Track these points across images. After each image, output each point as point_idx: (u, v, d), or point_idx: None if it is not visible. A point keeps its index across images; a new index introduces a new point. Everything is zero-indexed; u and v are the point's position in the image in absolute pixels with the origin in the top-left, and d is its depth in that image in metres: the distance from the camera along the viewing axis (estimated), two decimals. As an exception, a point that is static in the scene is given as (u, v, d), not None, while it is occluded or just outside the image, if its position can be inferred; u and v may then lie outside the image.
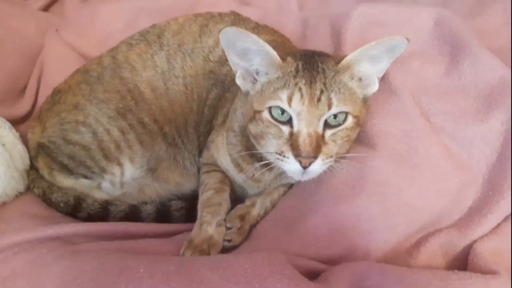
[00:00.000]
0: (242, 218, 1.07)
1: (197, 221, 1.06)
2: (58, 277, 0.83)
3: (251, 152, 1.05)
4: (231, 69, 1.21)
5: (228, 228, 1.05)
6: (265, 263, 0.83)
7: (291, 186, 1.14)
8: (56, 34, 1.66)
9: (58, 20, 1.78)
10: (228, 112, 1.17)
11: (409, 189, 1.01)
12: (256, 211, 1.10)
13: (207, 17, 1.32)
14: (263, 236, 1.03)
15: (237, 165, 1.14)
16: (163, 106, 1.24)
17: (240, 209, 1.10)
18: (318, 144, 0.91)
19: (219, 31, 1.27)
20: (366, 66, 0.96)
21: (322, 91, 0.91)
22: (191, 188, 1.30)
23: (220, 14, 1.34)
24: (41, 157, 1.26)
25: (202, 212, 1.07)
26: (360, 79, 0.98)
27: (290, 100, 0.91)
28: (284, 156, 0.92)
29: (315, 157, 0.90)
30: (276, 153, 0.94)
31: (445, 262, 1.00)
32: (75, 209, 1.19)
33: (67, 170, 1.23)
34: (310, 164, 0.90)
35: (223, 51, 1.23)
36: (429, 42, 1.26)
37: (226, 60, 1.22)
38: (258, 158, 1.04)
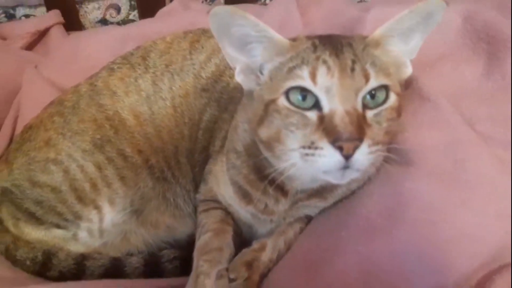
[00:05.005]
0: (249, 265, 0.88)
1: (192, 273, 0.88)
2: None
3: (260, 161, 0.86)
4: (226, 85, 1.06)
5: (232, 280, 0.86)
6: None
7: (308, 221, 0.96)
8: (35, 71, 1.53)
9: (40, 58, 1.65)
10: (226, 135, 0.99)
11: (463, 214, 0.82)
12: (267, 256, 0.91)
13: (199, 33, 1.18)
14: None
15: (245, 195, 0.94)
16: (148, 133, 1.07)
17: (246, 254, 0.91)
18: (361, 124, 0.70)
19: (212, 46, 1.11)
20: (399, 45, 0.81)
21: (354, 61, 0.74)
22: (187, 232, 1.11)
23: None
24: (4, 205, 1.08)
25: (198, 260, 0.89)
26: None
27: (313, 75, 0.73)
28: (316, 148, 0.70)
29: (360, 140, 0.69)
30: (304, 147, 0.72)
31: (519, 308, 0.80)
32: (44, 267, 1.00)
33: (35, 219, 1.04)
34: (354, 150, 0.68)
35: (216, 65, 1.08)
36: (459, 42, 1.15)
37: (221, 75, 1.08)
38: (270, 179, 0.84)
